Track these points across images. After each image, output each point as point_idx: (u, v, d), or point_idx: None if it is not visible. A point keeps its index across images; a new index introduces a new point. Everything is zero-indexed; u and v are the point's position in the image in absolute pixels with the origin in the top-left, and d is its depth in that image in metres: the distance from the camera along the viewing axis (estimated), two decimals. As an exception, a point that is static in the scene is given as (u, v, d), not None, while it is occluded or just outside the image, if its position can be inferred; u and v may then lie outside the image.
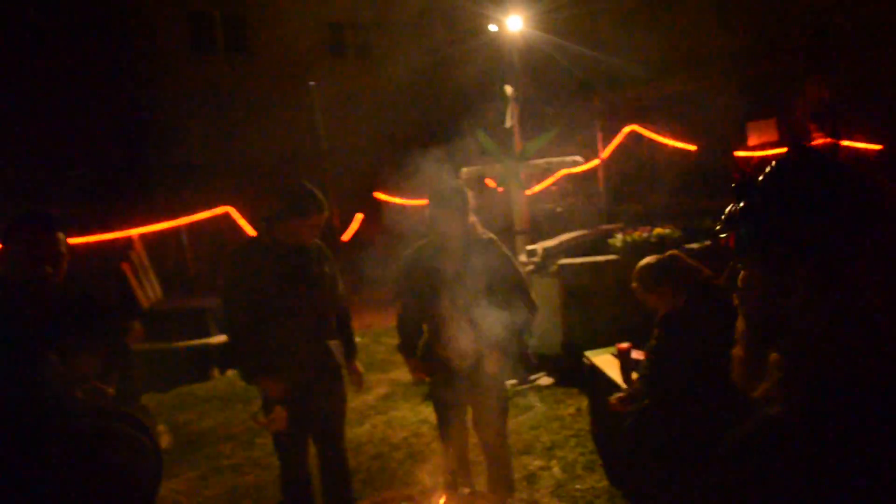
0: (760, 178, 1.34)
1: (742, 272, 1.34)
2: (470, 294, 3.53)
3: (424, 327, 3.79)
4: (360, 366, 3.94)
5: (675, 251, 3.66)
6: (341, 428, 3.96)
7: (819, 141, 9.09)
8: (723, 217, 1.40)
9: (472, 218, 3.65)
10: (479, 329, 3.53)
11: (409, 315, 3.77)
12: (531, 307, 3.66)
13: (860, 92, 8.59)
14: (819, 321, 1.23)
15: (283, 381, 3.49)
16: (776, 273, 1.26)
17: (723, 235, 1.42)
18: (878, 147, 8.88)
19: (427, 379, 3.70)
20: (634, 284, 3.56)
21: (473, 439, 3.91)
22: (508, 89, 8.30)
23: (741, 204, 1.34)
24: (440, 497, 3.25)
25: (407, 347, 3.75)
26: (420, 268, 3.66)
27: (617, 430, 4.21)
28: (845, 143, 9.02)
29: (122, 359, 2.86)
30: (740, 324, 1.37)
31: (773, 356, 1.31)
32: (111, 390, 2.68)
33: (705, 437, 3.05)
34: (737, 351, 1.39)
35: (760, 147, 9.22)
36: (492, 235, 3.73)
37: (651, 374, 3.52)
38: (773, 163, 1.36)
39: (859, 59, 8.57)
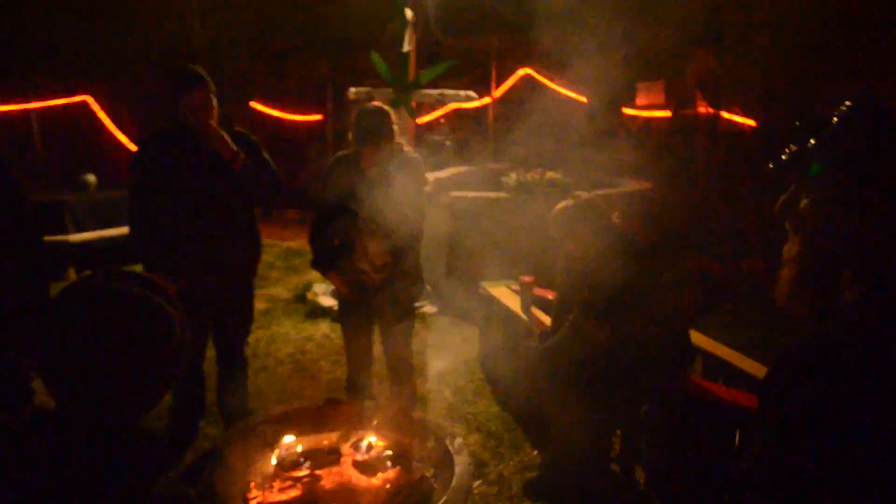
0: (835, 119, 1.40)
1: (804, 201, 1.39)
2: (388, 209, 3.49)
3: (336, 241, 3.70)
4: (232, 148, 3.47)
5: (588, 194, 3.76)
6: (246, 331, 3.85)
7: (702, 109, 9.59)
8: (787, 153, 1.45)
9: (398, 139, 3.58)
10: (394, 244, 3.52)
11: (324, 228, 3.66)
12: (419, 235, 3.68)
13: (742, 68, 9.11)
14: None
15: (175, 280, 3.31)
16: (849, 203, 1.33)
17: (786, 167, 1.47)
18: (753, 123, 9.49)
19: (346, 292, 3.62)
20: (551, 226, 3.62)
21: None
22: (408, 13, 8.11)
23: (811, 141, 1.41)
24: (346, 409, 3.26)
25: (324, 262, 3.65)
26: (340, 180, 3.56)
27: (506, 359, 4.38)
28: (724, 114, 9.57)
29: None
30: (791, 247, 1.42)
31: (845, 273, 1.38)
32: None
33: (611, 363, 3.27)
34: (786, 272, 1.44)
35: (647, 108, 9.62)
36: (416, 155, 3.69)
37: (564, 311, 3.65)
38: (845, 106, 1.41)
39: (745, 36, 9.07)
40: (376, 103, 3.59)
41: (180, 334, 1.32)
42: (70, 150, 10.47)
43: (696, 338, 3.85)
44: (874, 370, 1.16)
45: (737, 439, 3.14)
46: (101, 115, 10.33)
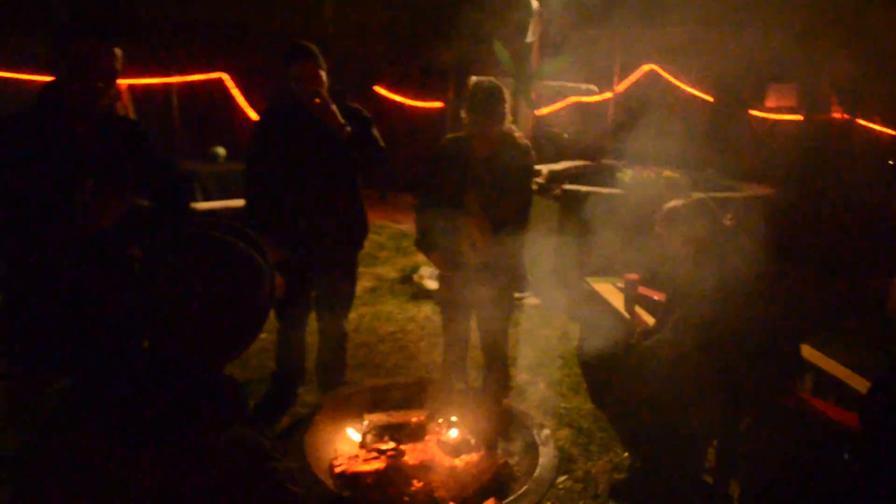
0: None
1: None
2: (495, 194, 3.48)
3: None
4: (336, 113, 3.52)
5: (701, 195, 3.62)
6: (346, 306, 3.94)
7: (837, 115, 9.03)
8: None
9: (509, 123, 3.55)
10: (498, 230, 3.51)
11: (430, 209, 3.69)
12: (524, 225, 3.63)
13: (883, 73, 8.50)
14: None
15: (282, 248, 3.43)
16: None
17: None
18: (893, 132, 8.85)
19: (449, 273, 3.65)
20: (659, 225, 3.52)
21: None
22: (534, 2, 8.04)
23: None
24: (438, 389, 3.29)
25: (428, 242, 3.69)
26: (449, 161, 3.58)
27: (605, 357, 4.30)
28: (861, 121, 8.97)
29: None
30: None
31: None
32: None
33: (713, 370, 3.15)
34: None
35: (777, 110, 9.15)
36: (528, 142, 3.66)
37: (669, 312, 3.54)
38: None
39: (889, 39, 8.46)
40: (493, 79, 3.58)
41: (269, 291, 1.36)
42: (204, 123, 11.04)
43: (809, 353, 3.65)
44: None
45: (844, 461, 2.96)
46: (235, 91, 10.81)
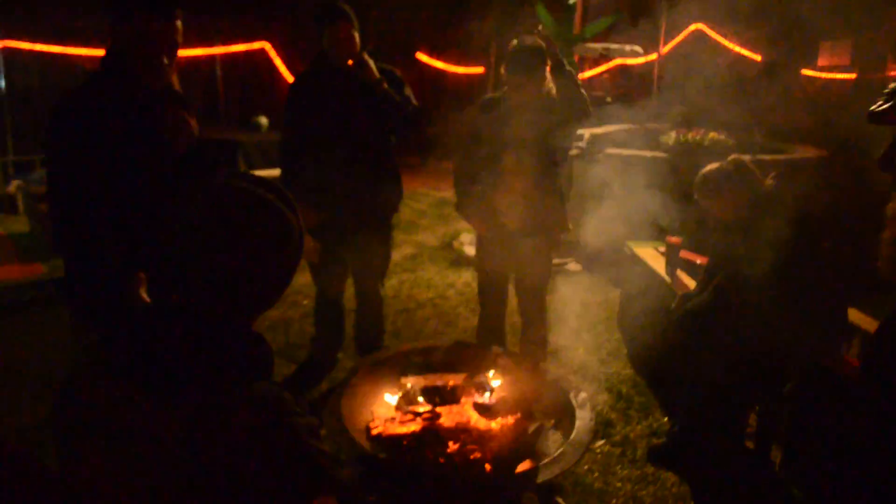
0: None
1: None
2: (535, 156, 3.44)
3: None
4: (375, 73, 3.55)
5: (739, 157, 3.51)
6: (382, 271, 3.96)
7: (894, 73, 8.67)
8: (885, 92, 1.26)
9: (549, 82, 3.49)
10: (538, 193, 3.47)
11: (468, 172, 3.66)
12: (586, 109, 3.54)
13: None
14: None
15: (316, 212, 3.45)
16: None
17: (884, 107, 1.28)
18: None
19: (485, 233, 3.63)
20: (697, 190, 3.44)
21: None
22: (578, -36, 7.88)
23: None
24: (475, 352, 3.28)
25: (467, 206, 3.67)
26: (485, 122, 3.54)
27: (645, 322, 4.25)
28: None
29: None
30: (893, 207, 1.24)
31: None
32: None
33: (756, 334, 3.08)
34: (887, 235, 1.26)
35: (830, 69, 8.81)
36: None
37: (711, 275, 3.47)
38: None
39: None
40: (536, 38, 3.52)
41: (297, 245, 1.36)
42: (247, 93, 11.14)
43: (857, 317, 3.55)
44: None
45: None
46: (277, 61, 10.85)
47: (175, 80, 2.53)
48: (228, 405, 1.19)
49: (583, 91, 3.50)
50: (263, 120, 9.63)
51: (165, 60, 2.33)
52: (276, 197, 1.32)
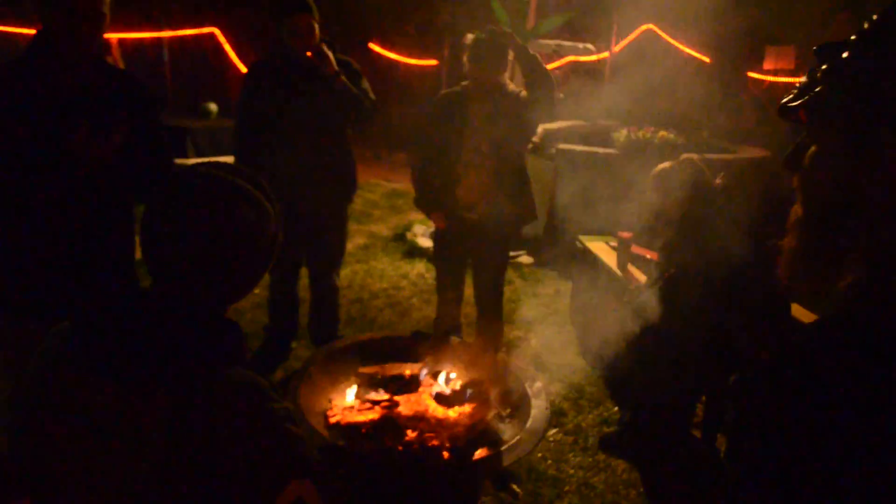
0: (854, 37, 1.13)
1: (811, 149, 1.16)
2: (492, 148, 3.48)
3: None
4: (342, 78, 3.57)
5: (690, 157, 3.61)
6: (338, 260, 3.96)
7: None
8: (796, 86, 1.21)
9: (506, 76, 3.54)
10: (495, 184, 3.51)
11: (426, 165, 3.68)
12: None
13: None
14: None
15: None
16: (857, 144, 1.09)
17: (794, 104, 1.20)
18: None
19: (444, 227, 3.65)
20: (650, 187, 3.53)
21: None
22: (532, -40, 7.93)
23: (823, 66, 1.15)
24: (431, 342, 3.31)
25: (426, 200, 3.68)
26: (446, 115, 3.56)
27: (596, 314, 4.33)
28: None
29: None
30: (796, 210, 1.18)
31: (851, 256, 1.12)
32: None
33: (703, 327, 3.18)
34: (788, 242, 1.19)
35: (775, 73, 9.09)
36: (524, 92, 3.63)
37: (661, 270, 3.56)
38: (876, 14, 1.13)
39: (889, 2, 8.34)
40: (497, 29, 3.55)
41: (275, 229, 1.36)
42: (195, 79, 10.91)
43: (799, 312, 3.68)
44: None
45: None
46: (227, 46, 10.66)
47: (119, 63, 2.48)
48: (206, 392, 1.19)
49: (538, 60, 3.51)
50: (213, 106, 9.44)
51: (87, 29, 2.28)
52: (253, 186, 1.32)
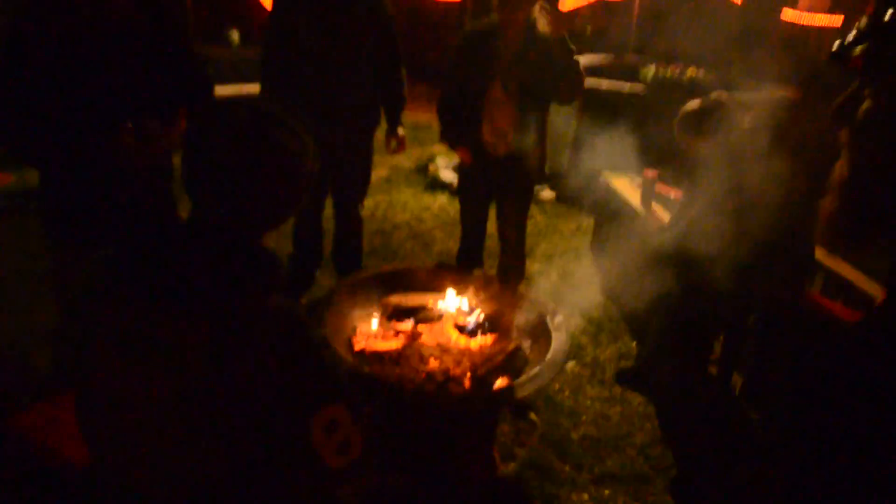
0: None
1: (867, 102, 1.04)
2: (519, 88, 3.44)
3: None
4: (402, 129, 3.86)
5: (719, 96, 3.56)
6: (362, 192, 3.99)
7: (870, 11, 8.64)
8: (854, 31, 1.09)
9: (538, 7, 3.47)
10: (523, 121, 3.49)
11: (453, 98, 3.65)
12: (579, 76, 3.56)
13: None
14: None
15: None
16: None
17: (854, 49, 1.09)
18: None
19: (470, 162, 3.65)
20: (677, 127, 3.49)
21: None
22: None
23: (891, 10, 1.02)
24: (454, 274, 3.35)
25: (452, 134, 3.67)
26: (473, 51, 3.51)
27: (618, 251, 4.35)
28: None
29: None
30: (841, 169, 1.08)
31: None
32: None
33: (725, 265, 3.20)
34: (830, 202, 1.09)
35: (810, 10, 8.81)
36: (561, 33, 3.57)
37: (686, 209, 3.55)
38: None
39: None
40: None
41: (311, 161, 1.39)
42: (217, 5, 10.76)
43: (821, 254, 3.68)
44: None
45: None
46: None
47: None
48: (248, 317, 1.23)
49: (580, 64, 3.50)
50: (235, 34, 9.34)
51: None
52: (287, 119, 1.35)
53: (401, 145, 3.89)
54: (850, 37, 1.07)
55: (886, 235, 1.08)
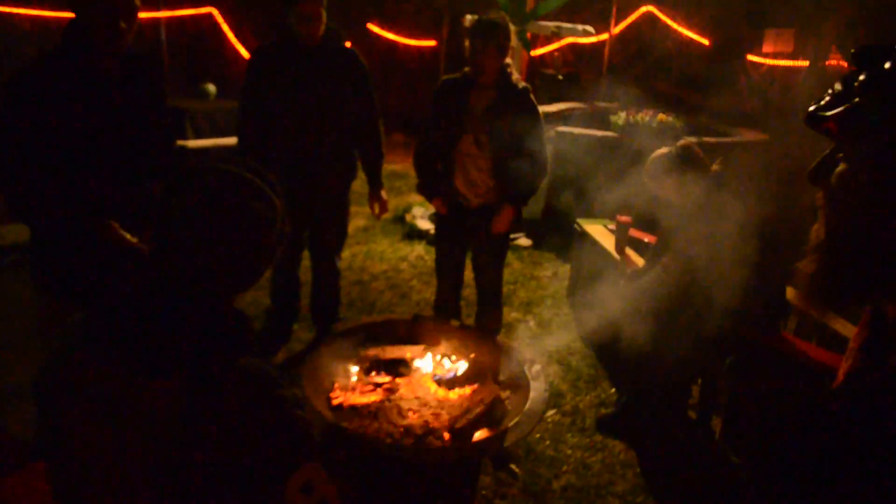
0: None
1: (841, 166, 1.05)
2: (495, 136, 3.50)
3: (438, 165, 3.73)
4: (384, 192, 3.91)
5: (688, 141, 3.64)
6: (339, 244, 4.01)
7: (833, 62, 8.92)
8: (829, 93, 1.07)
9: (509, 60, 3.55)
10: (496, 171, 3.54)
11: (429, 150, 3.70)
12: (543, 170, 3.66)
13: (886, 22, 8.34)
14: None
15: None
16: (892, 168, 0.97)
17: (829, 114, 1.06)
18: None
19: (445, 213, 3.68)
20: (646, 173, 3.56)
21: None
22: (532, -59, 7.90)
23: (862, 76, 1.02)
24: (431, 325, 3.35)
25: (427, 188, 3.71)
26: (449, 101, 3.58)
27: (594, 297, 4.39)
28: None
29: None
30: (818, 231, 1.08)
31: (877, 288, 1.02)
32: None
33: (699, 309, 3.23)
34: (807, 265, 1.09)
35: (774, 56, 9.05)
36: (526, 84, 3.65)
37: (659, 254, 3.61)
38: None
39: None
40: (500, 13, 3.58)
41: (281, 221, 1.40)
42: (194, 59, 10.87)
43: (793, 295, 3.74)
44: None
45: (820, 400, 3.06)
46: (225, 27, 10.61)
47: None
48: (218, 379, 1.23)
49: (546, 147, 3.66)
50: (211, 87, 9.42)
51: (123, 25, 2.33)
52: (261, 180, 1.36)
53: (383, 208, 3.94)
54: (824, 100, 1.08)
55: (863, 299, 1.09)
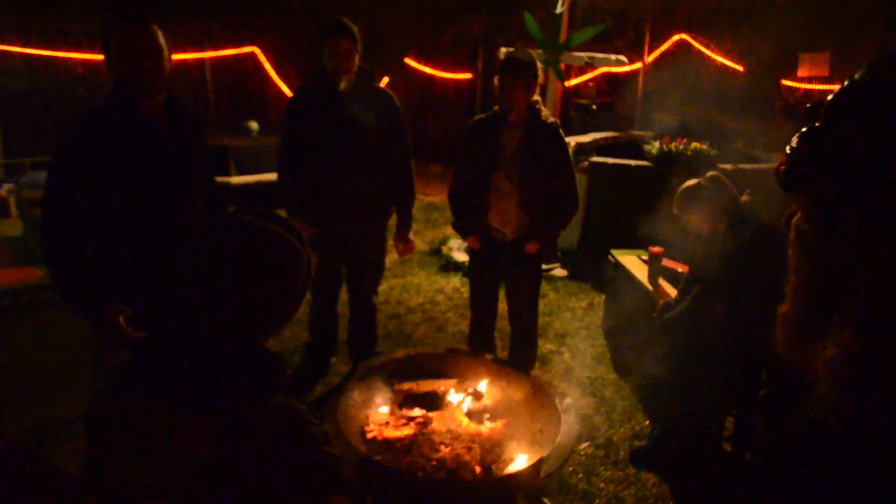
0: (830, 97, 1.05)
1: (796, 216, 1.11)
2: (525, 173, 3.57)
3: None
4: (411, 234, 4.01)
5: (715, 173, 3.66)
6: (376, 280, 4.10)
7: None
8: (789, 150, 1.16)
9: (537, 97, 3.64)
10: (528, 207, 3.61)
11: (463, 188, 3.79)
12: (573, 205, 3.71)
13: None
14: (885, 293, 0.95)
15: (312, 227, 3.60)
16: (826, 219, 1.00)
17: (780, 168, 1.18)
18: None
19: (478, 247, 3.77)
20: (675, 205, 3.60)
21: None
22: (564, -26, 8.01)
23: (803, 129, 1.08)
24: (465, 359, 3.41)
25: (462, 225, 3.80)
26: (481, 139, 3.67)
27: (628, 328, 4.42)
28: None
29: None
30: (792, 278, 1.14)
31: (840, 334, 1.05)
32: None
33: (731, 342, 3.24)
34: (784, 309, 1.14)
35: (809, 80, 9.01)
36: (555, 120, 3.72)
37: (691, 285, 3.63)
38: (849, 80, 1.04)
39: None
40: (527, 50, 3.68)
41: (305, 272, 1.49)
42: (237, 97, 11.21)
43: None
44: None
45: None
46: (267, 65, 10.94)
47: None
48: (252, 417, 1.33)
49: (575, 182, 3.72)
50: (254, 125, 9.71)
51: (149, 63, 2.45)
52: (282, 227, 1.46)
53: (407, 250, 4.07)
54: (790, 159, 1.13)
55: (819, 338, 1.13)
